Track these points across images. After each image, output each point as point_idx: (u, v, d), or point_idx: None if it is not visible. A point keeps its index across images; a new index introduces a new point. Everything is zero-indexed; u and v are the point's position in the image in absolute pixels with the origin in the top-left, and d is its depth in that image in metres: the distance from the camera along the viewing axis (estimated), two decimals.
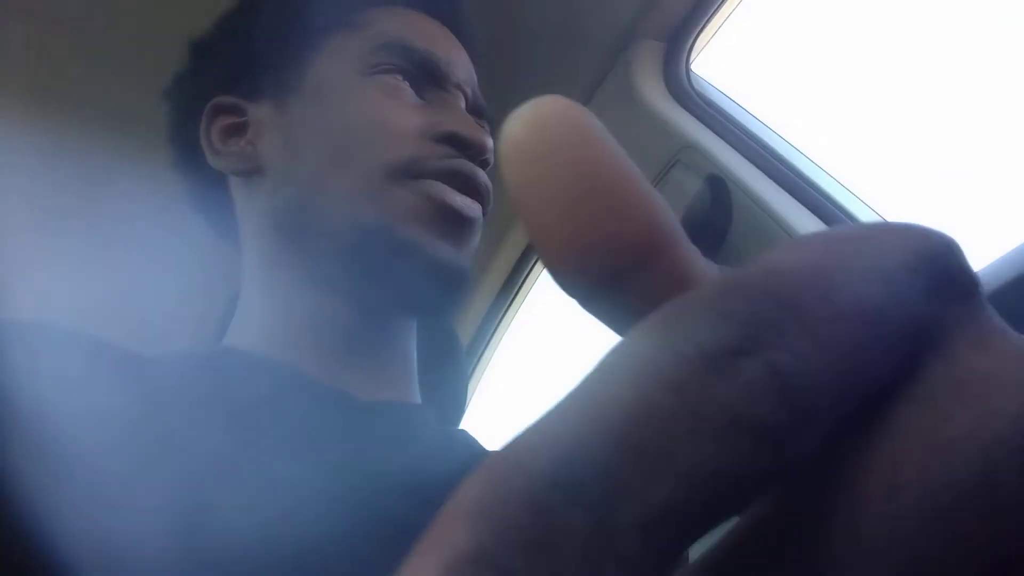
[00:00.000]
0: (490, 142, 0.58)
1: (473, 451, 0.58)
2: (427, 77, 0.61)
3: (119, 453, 0.40)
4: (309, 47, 0.61)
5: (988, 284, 0.67)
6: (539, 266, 1.35)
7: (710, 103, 0.93)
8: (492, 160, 0.59)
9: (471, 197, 0.57)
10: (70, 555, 0.35)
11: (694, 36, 0.95)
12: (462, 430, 0.62)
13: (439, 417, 0.60)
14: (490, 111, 0.67)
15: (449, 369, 0.80)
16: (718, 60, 0.98)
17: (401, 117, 0.57)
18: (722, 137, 0.88)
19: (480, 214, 0.58)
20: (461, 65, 0.64)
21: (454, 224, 0.55)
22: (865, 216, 0.80)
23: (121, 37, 1.00)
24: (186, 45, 0.67)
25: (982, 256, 0.71)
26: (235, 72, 0.63)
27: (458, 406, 0.83)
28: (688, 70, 0.96)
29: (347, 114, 0.57)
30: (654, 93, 0.95)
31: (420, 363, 0.63)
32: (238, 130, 0.61)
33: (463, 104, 0.62)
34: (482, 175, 0.58)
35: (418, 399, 0.61)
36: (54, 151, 1.08)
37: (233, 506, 0.41)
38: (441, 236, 0.55)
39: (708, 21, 0.93)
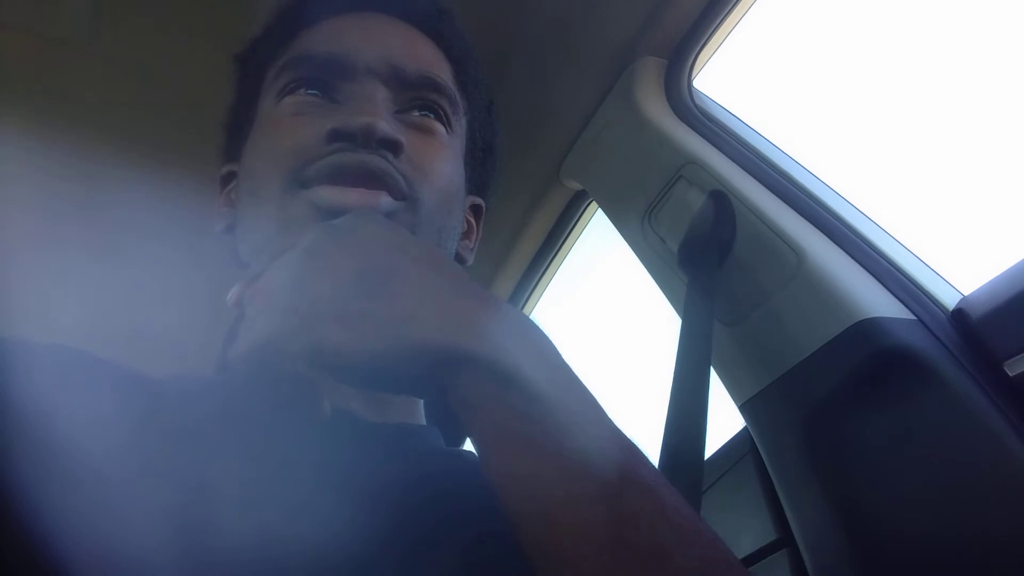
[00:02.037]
0: (380, 124, 0.55)
1: (477, 471, 0.58)
2: (335, 76, 0.60)
3: (122, 469, 0.40)
4: (256, 93, 0.64)
5: (991, 300, 0.67)
6: (542, 284, 1.36)
7: (712, 119, 0.94)
8: (399, 139, 0.56)
9: (363, 187, 0.54)
10: (73, 566, 0.35)
11: (696, 52, 0.95)
12: (467, 451, 0.62)
13: (444, 438, 0.60)
14: (433, 78, 0.63)
15: None
16: (720, 76, 0.98)
17: (297, 129, 0.57)
18: (724, 152, 0.89)
19: (386, 200, 0.55)
20: (371, 48, 0.61)
21: None
22: (867, 230, 0.80)
23: (127, 56, 1.01)
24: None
25: (984, 270, 0.71)
26: (230, 141, 0.68)
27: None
28: (690, 86, 0.97)
29: (257, 144, 0.60)
30: (656, 110, 0.96)
31: None
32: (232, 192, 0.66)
33: (379, 87, 0.60)
34: (372, 160, 0.55)
35: (423, 421, 0.61)
36: (60, 173, 1.09)
37: (235, 523, 0.41)
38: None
39: (710, 37, 0.94)
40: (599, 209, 1.13)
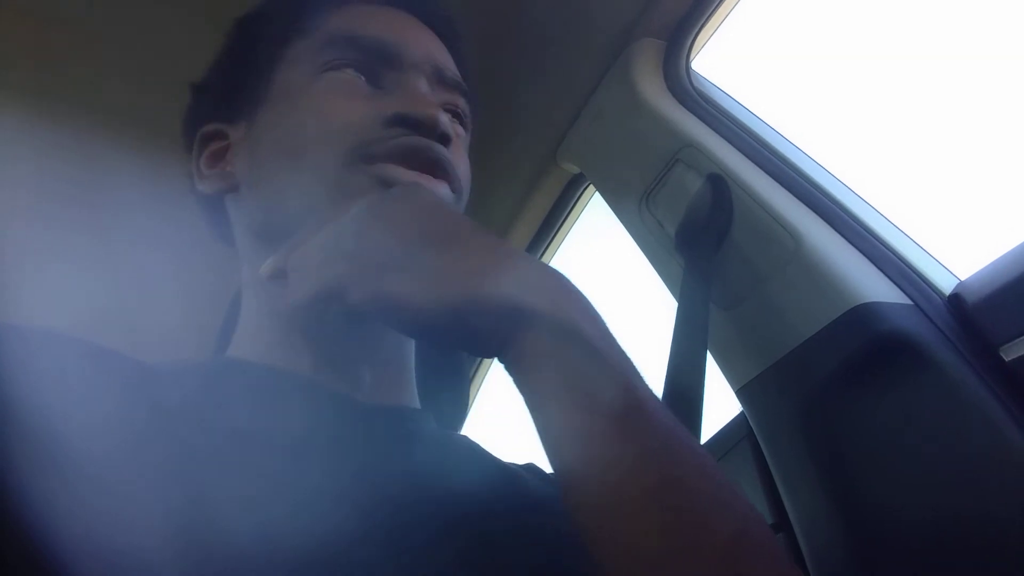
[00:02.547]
0: (442, 117, 0.56)
1: (474, 455, 0.58)
2: (380, 63, 0.60)
3: (121, 460, 0.40)
4: (270, 61, 0.63)
5: (988, 285, 0.68)
6: None
7: (710, 102, 0.93)
8: (451, 133, 0.58)
9: (429, 173, 0.56)
10: (72, 561, 0.35)
11: (694, 34, 0.94)
12: (463, 435, 0.62)
13: (440, 422, 0.60)
14: (464, 85, 0.65)
15: (450, 374, 0.80)
16: (718, 58, 0.98)
17: (349, 107, 0.57)
18: (722, 136, 0.88)
19: (446, 190, 0.57)
20: (417, 45, 0.63)
21: None
22: (864, 214, 0.80)
23: (122, 36, 1.00)
24: (187, 87, 0.70)
25: (981, 255, 0.71)
26: (218, 101, 0.66)
27: (459, 411, 0.83)
28: (688, 69, 0.96)
29: (299, 115, 0.58)
30: (654, 92, 0.95)
31: (421, 368, 0.63)
32: (223, 154, 0.64)
33: (423, 83, 0.61)
34: (439, 148, 0.56)
35: (418, 403, 0.61)
36: (57, 154, 1.08)
37: (235, 510, 0.41)
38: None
39: (708, 19, 0.93)
40: (596, 192, 1.13)
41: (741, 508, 0.40)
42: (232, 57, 0.67)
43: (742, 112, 0.92)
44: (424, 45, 0.63)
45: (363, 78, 0.60)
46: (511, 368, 0.43)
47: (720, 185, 0.84)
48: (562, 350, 0.41)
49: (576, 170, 1.16)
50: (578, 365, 0.41)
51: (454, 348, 0.47)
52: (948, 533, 0.64)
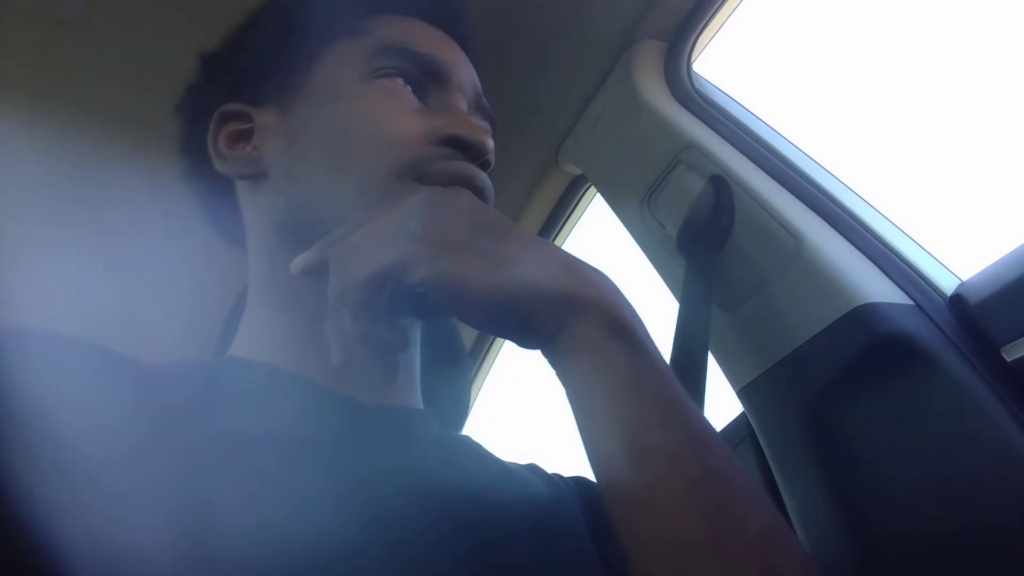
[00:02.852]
0: (491, 143, 0.58)
1: (477, 457, 0.58)
2: (429, 80, 0.61)
3: (123, 462, 0.40)
4: (312, 54, 0.62)
5: (990, 285, 0.67)
6: None
7: (712, 103, 0.93)
8: (493, 161, 0.59)
9: None
10: (74, 562, 0.35)
11: (695, 36, 0.95)
12: (465, 435, 0.62)
13: (442, 422, 0.60)
14: (492, 113, 0.67)
15: (452, 374, 0.80)
16: (719, 60, 0.98)
17: (402, 119, 0.57)
18: (724, 137, 0.88)
19: None
20: (462, 69, 0.64)
21: None
22: (865, 215, 0.80)
23: (122, 36, 1.00)
24: (196, 57, 0.68)
25: (983, 255, 0.71)
26: (242, 80, 0.64)
27: (461, 411, 0.83)
28: (690, 70, 0.96)
29: (349, 117, 0.58)
30: (656, 93, 0.95)
31: (423, 368, 0.63)
32: (244, 136, 0.62)
33: (464, 106, 0.63)
34: (484, 178, 0.58)
35: (421, 404, 0.61)
36: (58, 154, 1.08)
37: (237, 512, 0.41)
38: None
39: (709, 21, 0.93)
40: (598, 194, 1.13)
41: (767, 503, 0.42)
42: (263, 39, 0.65)
43: (743, 113, 0.92)
44: (468, 70, 0.65)
45: (410, 90, 0.60)
46: (561, 355, 0.45)
47: (722, 186, 0.84)
48: (613, 340, 0.44)
49: (577, 171, 1.17)
50: (628, 355, 0.44)
51: (506, 333, 0.47)
52: (949, 533, 0.64)
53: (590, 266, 0.47)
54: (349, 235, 0.48)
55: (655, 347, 0.45)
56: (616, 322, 0.44)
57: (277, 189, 0.59)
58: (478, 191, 0.57)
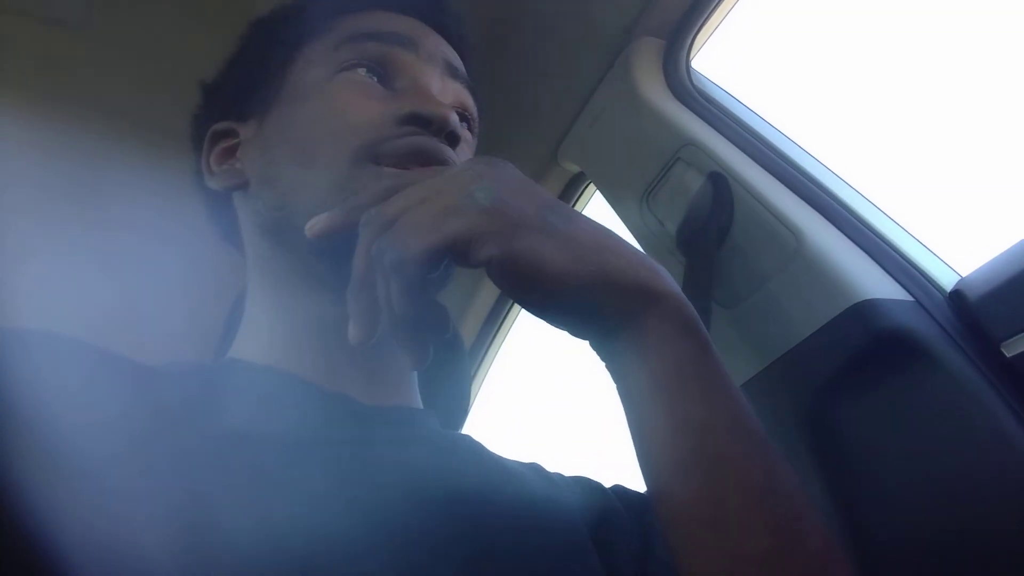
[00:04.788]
0: (453, 117, 0.56)
1: (475, 455, 0.58)
2: (394, 61, 0.61)
3: (122, 462, 0.40)
4: (285, 61, 0.63)
5: (989, 281, 0.68)
6: None
7: (711, 100, 0.93)
8: (461, 134, 0.58)
9: None
10: (74, 562, 0.35)
11: (694, 33, 0.94)
12: (464, 434, 0.62)
13: (442, 421, 0.60)
14: (468, 80, 0.66)
15: (451, 374, 0.80)
16: (718, 57, 0.98)
17: (362, 107, 0.57)
18: (723, 134, 0.88)
19: None
20: (429, 40, 0.64)
21: None
22: (865, 211, 0.80)
23: (123, 37, 1.00)
24: (197, 87, 0.70)
25: (981, 252, 0.71)
26: (229, 99, 0.66)
27: (460, 410, 0.83)
28: (688, 67, 0.96)
29: (311, 113, 0.59)
30: (654, 91, 0.95)
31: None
32: (232, 151, 0.64)
33: (435, 78, 0.62)
34: (447, 151, 0.56)
35: (419, 403, 0.61)
36: (57, 153, 1.08)
37: (235, 513, 0.41)
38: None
39: (708, 18, 0.93)
40: (597, 191, 1.13)
41: (820, 514, 0.41)
42: (246, 57, 0.68)
43: (742, 110, 0.92)
44: (437, 41, 0.64)
45: (375, 79, 0.60)
46: (625, 349, 0.42)
47: (721, 183, 0.84)
48: (684, 338, 0.42)
49: (577, 169, 1.17)
50: (699, 355, 0.42)
51: (566, 321, 0.43)
52: (949, 530, 0.64)
53: (657, 264, 0.45)
54: (387, 198, 0.44)
55: (717, 353, 0.43)
56: (688, 319, 0.42)
57: (256, 195, 0.60)
58: (438, 163, 0.56)
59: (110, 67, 1.03)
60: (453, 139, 0.57)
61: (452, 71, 0.64)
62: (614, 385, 0.44)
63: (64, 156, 1.08)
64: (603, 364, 0.45)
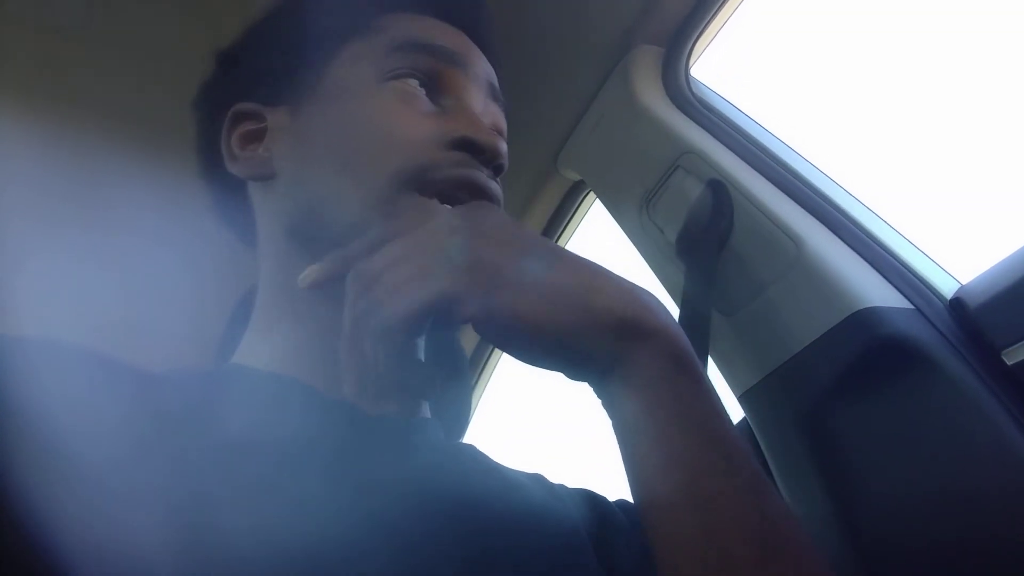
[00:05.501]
0: (503, 147, 0.56)
1: (477, 463, 0.58)
2: (443, 76, 0.59)
3: (123, 468, 0.40)
4: (326, 53, 0.60)
5: (989, 289, 0.67)
6: None
7: (710, 108, 0.93)
8: (506, 165, 0.57)
9: None
10: (75, 566, 0.35)
11: (693, 41, 0.95)
12: (467, 443, 0.62)
13: (443, 430, 0.60)
14: (503, 105, 0.65)
15: (454, 383, 0.80)
16: (717, 65, 0.98)
17: (412, 124, 0.56)
18: (722, 142, 0.88)
19: None
20: (478, 60, 0.62)
21: None
22: (865, 219, 0.80)
23: (126, 40, 1.00)
24: (211, 55, 0.67)
25: (981, 260, 0.71)
26: (256, 79, 0.63)
27: (462, 419, 0.83)
28: (687, 75, 0.96)
29: (358, 120, 0.56)
30: (654, 98, 0.95)
31: None
32: (257, 136, 0.61)
33: (479, 99, 0.61)
34: (493, 186, 0.55)
35: (427, 413, 0.61)
36: (59, 157, 1.08)
37: (237, 519, 0.41)
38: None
39: (707, 26, 0.93)
40: (597, 199, 1.13)
41: (816, 550, 0.40)
42: (279, 37, 0.64)
43: (741, 118, 0.92)
44: (482, 60, 0.63)
45: (424, 92, 0.58)
46: (619, 389, 0.42)
47: (720, 191, 0.84)
48: (676, 374, 0.41)
49: (576, 177, 1.17)
50: (693, 391, 0.41)
51: (560, 368, 0.44)
52: (950, 539, 0.63)
53: (644, 289, 0.44)
54: (370, 254, 0.44)
55: (712, 385, 0.43)
56: (680, 354, 0.42)
57: (286, 192, 0.58)
58: (490, 200, 0.55)
59: (110, 68, 1.03)
60: (499, 171, 0.56)
61: (494, 93, 0.63)
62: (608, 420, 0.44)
63: (66, 159, 1.08)
64: (598, 399, 0.45)
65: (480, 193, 0.54)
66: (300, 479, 0.45)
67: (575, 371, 0.43)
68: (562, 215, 1.26)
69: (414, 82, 0.58)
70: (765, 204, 0.81)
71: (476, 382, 1.51)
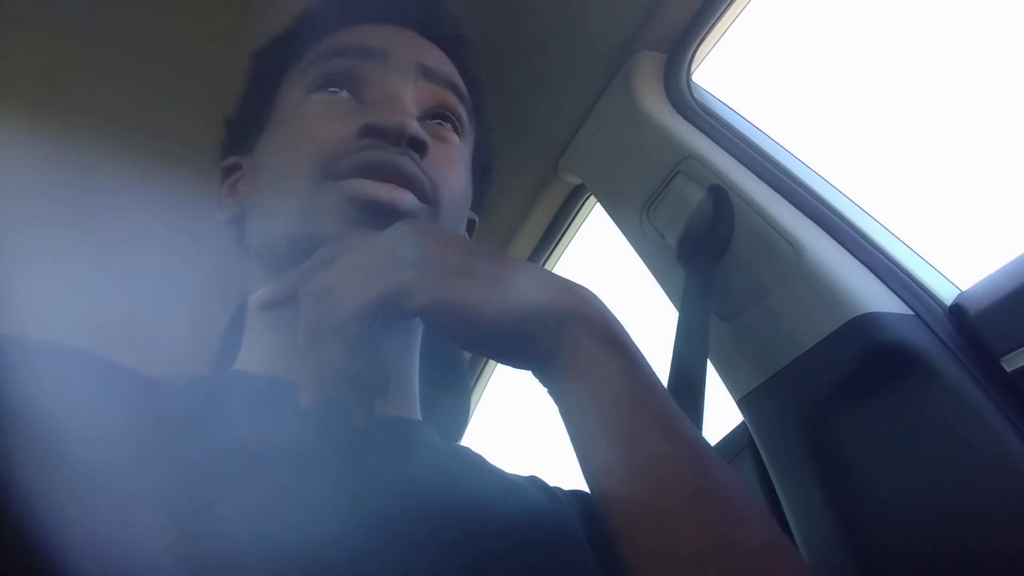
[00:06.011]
0: (412, 125, 0.56)
1: (475, 465, 0.58)
2: (363, 75, 0.61)
3: (124, 472, 0.40)
4: (272, 90, 0.65)
5: (989, 295, 0.68)
6: None
7: (711, 114, 0.93)
8: (425, 139, 0.57)
9: (395, 184, 0.55)
10: (76, 570, 0.35)
11: (694, 47, 0.95)
12: (464, 446, 0.62)
13: (441, 433, 0.60)
14: (455, 82, 0.66)
15: (451, 385, 0.80)
16: (718, 71, 0.98)
17: (327, 125, 0.58)
18: (723, 147, 0.88)
19: (411, 199, 0.56)
20: (405, 47, 0.64)
21: (379, 215, 0.53)
22: (865, 225, 0.80)
23: (128, 45, 1.00)
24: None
25: (981, 266, 0.71)
26: (239, 133, 0.68)
27: (460, 421, 0.83)
28: (689, 81, 0.96)
29: (282, 139, 0.61)
30: (655, 104, 0.95)
31: (422, 379, 0.63)
32: (240, 183, 0.66)
33: (407, 85, 0.61)
34: (405, 162, 0.56)
35: (419, 415, 0.61)
36: (61, 162, 1.08)
37: (237, 524, 0.41)
38: (368, 230, 0.53)
39: (708, 32, 0.93)
40: (597, 204, 1.13)
41: (766, 515, 0.43)
42: (247, 90, 0.70)
43: (743, 124, 0.92)
44: (412, 47, 0.64)
45: (345, 93, 0.60)
46: (558, 371, 0.45)
47: (721, 196, 0.84)
48: (610, 354, 0.44)
49: (577, 181, 1.17)
50: (625, 368, 0.44)
51: (505, 354, 0.46)
52: (949, 545, 0.63)
53: (580, 285, 0.48)
54: (320, 270, 0.46)
55: (647, 361, 0.46)
56: (612, 336, 0.45)
57: (249, 221, 0.62)
58: (400, 176, 0.56)
59: (111, 72, 1.03)
60: (416, 145, 0.57)
61: (427, 73, 0.63)
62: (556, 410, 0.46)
63: (68, 164, 1.08)
64: (546, 392, 0.47)
65: (386, 169, 0.55)
66: (298, 481, 0.45)
67: (520, 357, 0.46)
68: (562, 219, 1.26)
69: (334, 89, 0.61)
70: (766, 210, 0.81)
71: (474, 386, 1.51)
